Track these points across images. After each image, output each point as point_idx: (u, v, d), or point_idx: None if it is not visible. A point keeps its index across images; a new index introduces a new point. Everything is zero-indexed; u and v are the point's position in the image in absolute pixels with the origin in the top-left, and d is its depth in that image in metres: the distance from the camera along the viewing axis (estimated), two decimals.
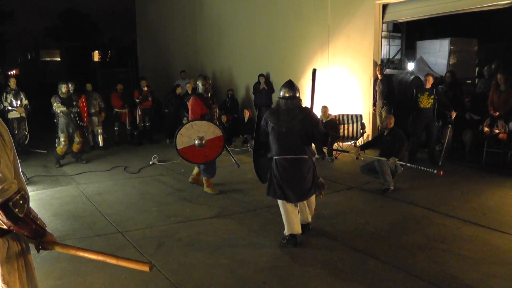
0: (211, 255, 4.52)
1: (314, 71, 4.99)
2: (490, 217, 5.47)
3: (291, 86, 4.71)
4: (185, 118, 11.51)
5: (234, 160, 7.07)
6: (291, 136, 4.57)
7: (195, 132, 6.51)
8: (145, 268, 2.24)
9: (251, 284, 3.90)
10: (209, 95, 6.92)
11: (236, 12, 13.65)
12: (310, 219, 5.06)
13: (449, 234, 4.98)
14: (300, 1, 11.48)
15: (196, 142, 6.51)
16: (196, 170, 7.20)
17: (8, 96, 9.56)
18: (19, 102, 9.61)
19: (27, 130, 9.83)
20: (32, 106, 9.97)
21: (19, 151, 9.75)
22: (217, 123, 6.96)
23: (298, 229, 4.71)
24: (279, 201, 4.77)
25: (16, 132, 9.57)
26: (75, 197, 6.80)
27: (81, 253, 2.33)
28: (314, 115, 4.76)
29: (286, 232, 4.73)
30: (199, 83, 6.93)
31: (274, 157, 4.68)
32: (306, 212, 4.97)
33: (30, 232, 2.18)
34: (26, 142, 9.94)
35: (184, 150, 6.55)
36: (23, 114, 9.72)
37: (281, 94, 4.72)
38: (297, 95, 4.70)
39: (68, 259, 4.34)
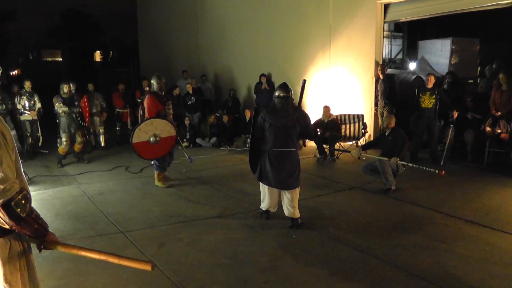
0: (213, 255, 4.53)
1: (304, 81, 5.44)
2: (492, 217, 5.46)
3: (285, 87, 5.32)
4: (187, 118, 11.57)
5: (187, 155, 7.66)
6: (285, 131, 5.17)
7: (152, 129, 6.91)
8: (147, 267, 2.23)
9: (253, 284, 3.90)
10: (163, 93, 7.37)
11: (238, 12, 13.65)
12: (297, 214, 5.30)
13: (451, 234, 4.98)
14: (301, 1, 11.48)
15: (151, 139, 6.90)
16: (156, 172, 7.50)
17: (22, 98, 9.68)
18: (32, 103, 9.72)
19: (39, 132, 9.91)
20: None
21: (30, 152, 9.79)
22: (172, 120, 7.46)
23: (274, 207, 5.50)
24: (264, 184, 5.42)
25: (28, 134, 9.68)
26: (76, 197, 6.81)
27: (83, 253, 2.33)
28: (305, 114, 5.48)
29: (263, 207, 5.52)
30: (154, 82, 7.32)
31: (269, 150, 5.23)
32: (291, 207, 5.26)
33: (32, 231, 2.18)
34: (40, 143, 10.00)
35: (137, 145, 6.93)
36: (35, 117, 9.80)
37: (276, 94, 5.30)
38: (290, 95, 5.29)
39: (69, 259, 4.35)
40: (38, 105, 9.84)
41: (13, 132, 9.07)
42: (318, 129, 9.45)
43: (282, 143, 5.17)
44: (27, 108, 9.68)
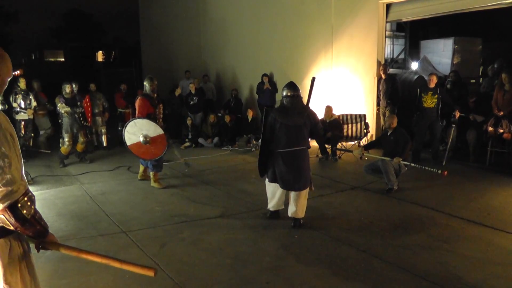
0: (215, 255, 4.53)
1: (313, 79, 5.42)
2: (495, 217, 5.45)
3: (293, 86, 5.32)
4: (189, 118, 11.57)
5: (184, 162, 7.89)
6: (297, 130, 5.18)
7: (138, 130, 6.89)
8: (150, 273, 2.23)
9: (255, 284, 3.90)
10: (155, 95, 7.37)
11: (240, 12, 13.66)
12: (301, 215, 5.30)
13: (453, 234, 4.97)
14: (303, 0, 11.48)
15: (141, 139, 6.87)
16: (141, 167, 7.65)
17: (17, 97, 9.34)
18: (28, 103, 9.44)
19: (32, 132, 9.71)
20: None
21: (24, 152, 9.71)
22: (162, 122, 7.49)
23: (282, 206, 5.52)
24: (272, 184, 5.37)
25: (22, 134, 9.38)
26: (78, 196, 6.82)
27: (84, 255, 2.33)
28: (314, 113, 5.43)
29: (272, 208, 5.49)
30: (147, 84, 7.34)
31: (281, 150, 5.19)
32: (296, 207, 5.27)
33: (34, 232, 2.20)
34: (31, 143, 9.86)
35: (133, 147, 6.97)
36: (31, 116, 9.58)
37: (284, 93, 5.30)
38: (299, 93, 5.30)
39: (71, 259, 4.34)
40: (34, 103, 9.54)
41: None
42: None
43: (294, 142, 5.18)
44: (23, 107, 9.36)
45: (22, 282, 2.23)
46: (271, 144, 5.28)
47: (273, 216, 5.54)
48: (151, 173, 7.32)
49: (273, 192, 5.42)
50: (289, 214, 5.33)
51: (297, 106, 5.24)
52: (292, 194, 5.29)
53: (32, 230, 2.17)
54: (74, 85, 9.26)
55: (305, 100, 5.42)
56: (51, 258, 4.30)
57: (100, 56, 44.35)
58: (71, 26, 43.39)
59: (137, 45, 24.80)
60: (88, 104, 9.74)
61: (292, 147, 5.18)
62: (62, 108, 8.86)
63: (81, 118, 9.13)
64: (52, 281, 3.92)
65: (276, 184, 5.31)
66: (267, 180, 5.45)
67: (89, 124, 9.71)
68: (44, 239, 2.29)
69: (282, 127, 5.16)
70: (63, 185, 7.55)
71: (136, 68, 21.74)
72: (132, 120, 7.03)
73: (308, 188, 5.36)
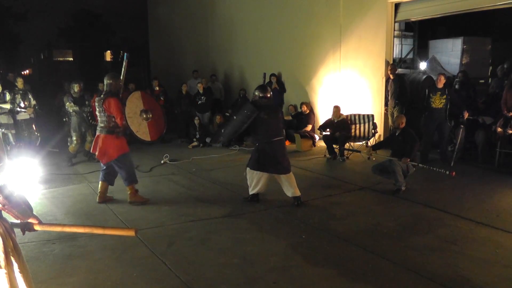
0: (222, 254, 4.53)
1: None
2: (504, 219, 5.40)
3: (264, 88, 6.23)
4: (197, 118, 11.60)
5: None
6: (275, 123, 6.10)
7: (133, 109, 6.25)
8: (131, 233, 2.44)
9: (262, 284, 3.90)
10: (120, 95, 6.61)
11: (248, 12, 13.66)
12: (298, 193, 6.09)
13: (462, 235, 4.94)
14: (312, 0, 11.46)
15: (144, 115, 6.24)
16: (101, 185, 6.52)
17: (16, 96, 9.03)
18: (26, 103, 9.12)
19: (37, 131, 9.47)
20: (46, 106, 9.88)
21: (33, 152, 9.71)
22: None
23: (262, 190, 6.25)
24: (255, 172, 6.12)
25: (26, 134, 9.18)
26: (86, 195, 6.85)
27: (68, 229, 2.49)
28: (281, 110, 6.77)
29: (255, 192, 6.19)
30: (112, 82, 6.67)
31: (266, 141, 6.02)
32: (292, 187, 6.07)
33: (20, 211, 2.32)
34: (37, 143, 9.79)
35: (141, 133, 6.24)
36: (32, 115, 9.29)
37: (256, 94, 6.13)
38: (269, 95, 6.16)
39: (80, 257, 4.38)
40: (33, 102, 9.22)
41: (13, 131, 9.06)
42: (328, 129, 9.45)
43: (274, 134, 6.06)
44: (22, 106, 9.07)
45: (9, 263, 2.34)
46: (253, 138, 6.24)
47: (254, 199, 6.22)
48: (127, 187, 6.41)
49: (258, 179, 6.13)
50: (290, 195, 6.09)
51: (270, 104, 6.16)
52: (283, 178, 6.08)
53: (18, 208, 2.30)
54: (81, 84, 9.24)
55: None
56: (59, 255, 4.33)
57: (108, 56, 44.56)
58: (80, 26, 43.58)
59: (145, 45, 24.88)
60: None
61: (274, 138, 6.05)
62: (70, 107, 8.91)
63: (89, 117, 9.17)
64: (60, 279, 3.95)
65: (260, 172, 6.08)
66: (249, 169, 6.18)
67: (97, 123, 9.70)
68: (28, 219, 2.42)
69: (263, 121, 5.98)
70: (71, 183, 7.59)
71: (144, 68, 21.82)
72: (124, 104, 6.31)
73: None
